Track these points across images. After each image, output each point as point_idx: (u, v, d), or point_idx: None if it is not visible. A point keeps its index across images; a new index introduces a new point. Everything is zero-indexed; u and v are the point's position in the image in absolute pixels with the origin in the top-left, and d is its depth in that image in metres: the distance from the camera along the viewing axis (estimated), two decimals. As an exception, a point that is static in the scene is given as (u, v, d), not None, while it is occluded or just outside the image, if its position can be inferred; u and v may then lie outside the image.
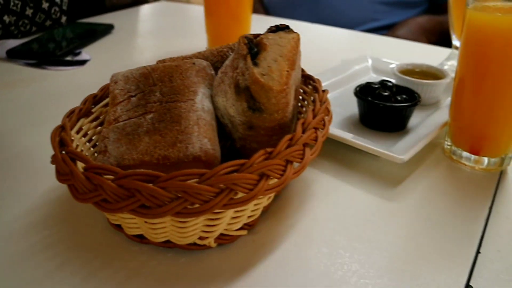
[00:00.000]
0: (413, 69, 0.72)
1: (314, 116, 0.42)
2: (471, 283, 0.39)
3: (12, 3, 0.95)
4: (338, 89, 0.74)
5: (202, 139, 0.39)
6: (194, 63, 0.45)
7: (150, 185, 0.32)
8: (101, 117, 0.48)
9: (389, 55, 0.90)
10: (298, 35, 0.44)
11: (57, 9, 1.05)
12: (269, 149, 0.36)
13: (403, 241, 0.43)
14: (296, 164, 0.38)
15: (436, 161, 0.57)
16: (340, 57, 0.89)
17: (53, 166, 0.38)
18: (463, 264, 0.41)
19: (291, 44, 0.41)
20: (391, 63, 0.80)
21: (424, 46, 1.06)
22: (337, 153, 0.57)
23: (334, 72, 0.77)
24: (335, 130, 0.57)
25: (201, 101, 0.42)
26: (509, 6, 0.51)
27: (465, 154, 0.56)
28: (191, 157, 0.38)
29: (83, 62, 0.88)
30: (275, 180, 0.36)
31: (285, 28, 0.44)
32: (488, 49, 0.51)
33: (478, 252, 0.42)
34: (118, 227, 0.41)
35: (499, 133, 0.54)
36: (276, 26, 0.45)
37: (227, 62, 0.44)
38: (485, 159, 0.55)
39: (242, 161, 0.34)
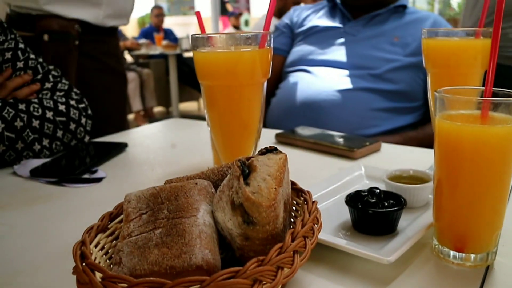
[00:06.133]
0: (400, 175, 0.79)
1: (303, 226, 0.48)
2: None
3: (45, 127, 1.06)
4: (334, 197, 0.79)
5: (204, 250, 0.45)
6: (196, 183, 0.52)
7: (158, 292, 0.38)
8: (116, 232, 0.54)
9: (383, 161, 0.97)
10: (285, 155, 0.51)
11: (81, 129, 1.16)
12: (261, 257, 0.42)
13: None
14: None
15: (424, 260, 0.61)
16: (338, 166, 0.96)
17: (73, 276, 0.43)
18: None
19: (278, 164, 0.48)
20: (382, 169, 0.87)
21: (416, 150, 1.14)
22: (331, 258, 0.62)
23: (329, 182, 0.83)
24: (328, 236, 0.63)
25: (202, 216, 0.49)
26: (471, 114, 0.57)
27: (450, 252, 0.60)
28: (194, 266, 0.43)
29: (99, 180, 0.96)
30: (268, 284, 0.41)
31: (273, 150, 0.52)
32: (458, 155, 0.57)
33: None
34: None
35: (479, 231, 0.58)
36: (266, 148, 0.52)
37: (224, 181, 0.51)
38: (470, 256, 0.59)
39: (237, 268, 0.40)
